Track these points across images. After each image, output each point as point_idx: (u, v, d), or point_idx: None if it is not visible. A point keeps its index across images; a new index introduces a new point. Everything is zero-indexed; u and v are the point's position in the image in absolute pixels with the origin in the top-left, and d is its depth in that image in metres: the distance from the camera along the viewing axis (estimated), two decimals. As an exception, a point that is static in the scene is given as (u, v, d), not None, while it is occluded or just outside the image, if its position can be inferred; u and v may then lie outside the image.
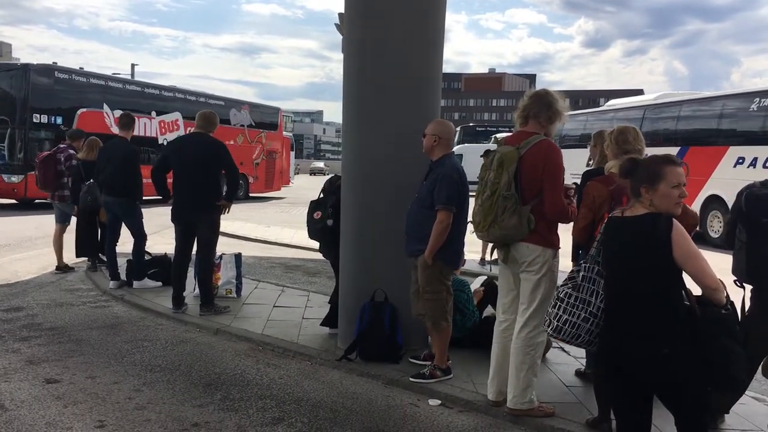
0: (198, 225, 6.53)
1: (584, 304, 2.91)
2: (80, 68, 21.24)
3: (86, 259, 8.85)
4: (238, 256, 7.41)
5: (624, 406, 2.90)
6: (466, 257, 5.14)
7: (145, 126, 21.55)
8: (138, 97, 21.86)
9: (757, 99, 13.81)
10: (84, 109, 19.42)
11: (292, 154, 37.53)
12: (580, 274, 2.97)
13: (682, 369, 2.68)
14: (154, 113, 21.96)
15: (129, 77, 34.60)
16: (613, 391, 2.96)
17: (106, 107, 20.07)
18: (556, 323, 2.99)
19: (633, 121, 16.30)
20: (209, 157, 6.47)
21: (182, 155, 6.50)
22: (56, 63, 20.15)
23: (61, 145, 8.82)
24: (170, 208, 6.64)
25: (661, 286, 2.70)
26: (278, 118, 29.15)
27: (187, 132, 22.65)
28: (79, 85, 19.86)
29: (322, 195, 5.82)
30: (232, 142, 24.37)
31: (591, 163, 5.21)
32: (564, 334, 2.97)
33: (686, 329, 2.70)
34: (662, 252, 2.68)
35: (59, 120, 18.45)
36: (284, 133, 30.73)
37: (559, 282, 3.17)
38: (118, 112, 20.17)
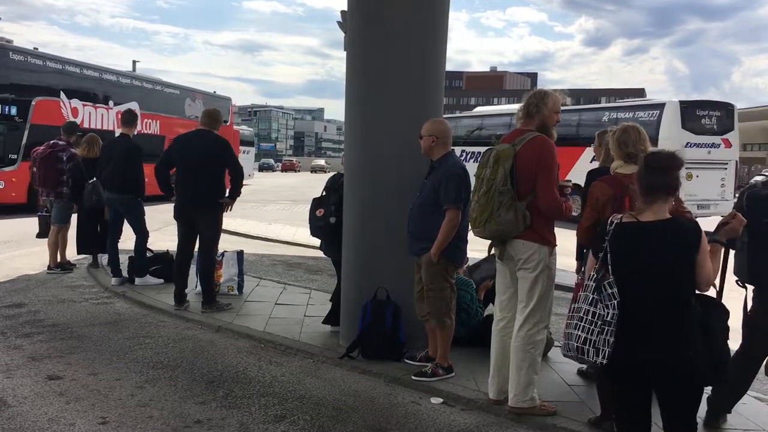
0: (200, 222, 6.53)
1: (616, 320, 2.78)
2: (34, 48, 18.20)
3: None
4: (240, 254, 7.42)
5: (631, 409, 2.87)
6: (469, 255, 5.14)
7: (102, 117, 19.35)
8: (95, 85, 19.49)
9: (607, 112, 19.41)
10: (40, 98, 16.96)
11: (252, 150, 35.70)
12: (613, 289, 2.74)
13: (697, 369, 2.70)
14: (111, 103, 19.62)
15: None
16: (620, 393, 2.92)
17: (62, 96, 17.72)
18: (609, 350, 2.72)
19: (501, 127, 19.61)
20: (213, 155, 6.48)
21: (186, 152, 6.51)
22: (11, 41, 17.26)
23: (60, 142, 8.64)
24: (172, 205, 6.65)
25: (686, 288, 2.71)
26: (228, 109, 27.21)
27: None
28: (35, 69, 17.23)
29: (324, 193, 5.82)
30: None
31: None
32: (608, 356, 2.77)
33: (698, 329, 2.70)
34: (693, 254, 2.69)
35: (14, 110, 16.13)
36: (234, 126, 28.76)
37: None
38: (75, 102, 18.05)
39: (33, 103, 16.67)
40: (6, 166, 16.18)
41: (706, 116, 17.29)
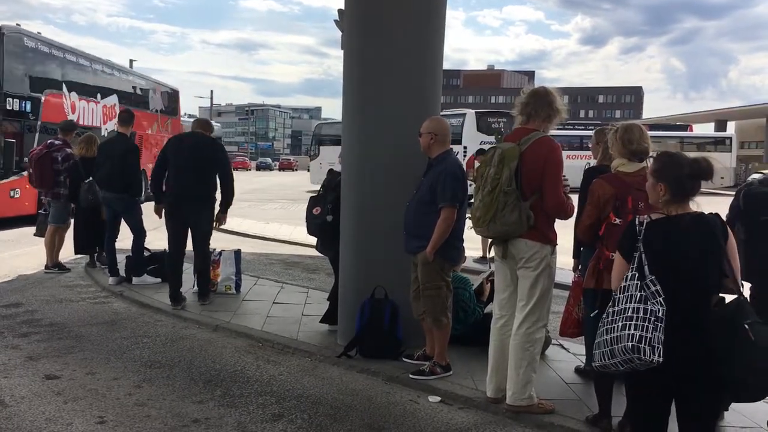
0: (194, 218, 6.60)
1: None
2: (38, 33, 15.62)
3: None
4: (237, 253, 7.41)
5: (655, 415, 2.87)
6: (465, 254, 5.14)
7: (93, 113, 17.20)
8: (89, 76, 17.43)
9: (448, 120, 24.80)
10: (49, 92, 14.75)
11: None
12: (657, 287, 2.72)
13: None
14: (99, 96, 17.56)
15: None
16: (645, 399, 2.90)
17: (65, 89, 15.56)
18: (662, 348, 2.66)
19: None
20: (207, 155, 6.62)
21: (181, 152, 6.58)
22: (19, 25, 14.59)
23: (56, 142, 8.60)
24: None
25: (713, 283, 2.74)
26: (178, 100, 25.03)
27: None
28: (44, 59, 15.00)
29: (321, 191, 5.83)
30: (150, 132, 20.92)
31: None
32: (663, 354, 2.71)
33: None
34: (724, 246, 2.74)
35: (28, 107, 13.74)
36: (182, 119, 26.22)
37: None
38: (73, 96, 16.07)
39: (43, 98, 14.38)
40: (23, 171, 13.07)
41: (494, 122, 23.73)
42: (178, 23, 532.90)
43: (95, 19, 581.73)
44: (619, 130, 3.94)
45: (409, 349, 5.10)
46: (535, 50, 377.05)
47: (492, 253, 4.32)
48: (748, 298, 3.92)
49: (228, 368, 4.96)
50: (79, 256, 8.97)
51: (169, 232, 6.72)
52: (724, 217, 3.19)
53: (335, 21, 7.29)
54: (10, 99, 13.01)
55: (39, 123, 14.18)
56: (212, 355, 5.29)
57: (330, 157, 30.15)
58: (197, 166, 6.51)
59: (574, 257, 4.63)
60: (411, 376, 4.70)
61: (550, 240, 4.02)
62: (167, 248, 6.86)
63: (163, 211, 6.70)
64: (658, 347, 2.63)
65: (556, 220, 4.08)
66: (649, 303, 2.69)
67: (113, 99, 18.34)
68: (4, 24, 13.27)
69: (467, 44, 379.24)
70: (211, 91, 66.86)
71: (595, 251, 3.92)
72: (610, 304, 2.84)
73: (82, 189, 8.03)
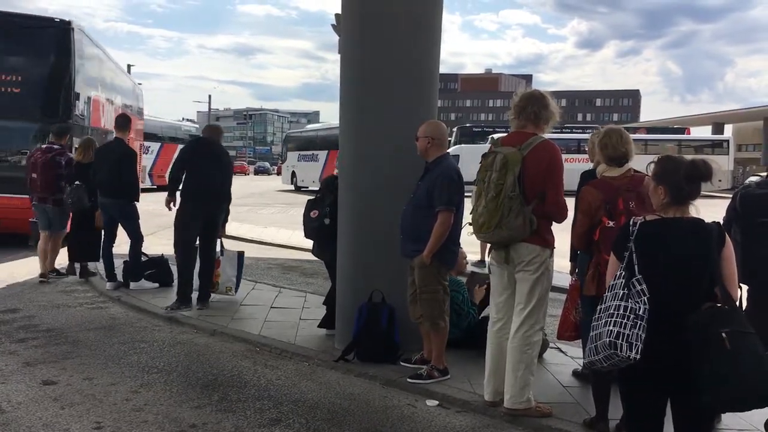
0: (219, 216, 6.91)
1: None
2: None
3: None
4: (240, 255, 7.40)
5: (647, 416, 2.87)
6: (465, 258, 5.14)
7: (110, 115, 15.01)
8: (109, 75, 16.00)
9: (331, 130, 27.98)
10: (95, 93, 13.33)
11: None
12: (642, 286, 2.73)
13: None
14: (111, 96, 16.18)
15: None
16: (637, 400, 2.91)
17: (100, 89, 14.35)
18: (641, 345, 2.66)
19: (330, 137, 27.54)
20: (225, 160, 7.05)
21: (206, 155, 6.85)
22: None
23: (54, 146, 8.44)
24: (179, 206, 6.84)
25: (706, 289, 2.73)
26: (142, 98, 23.19)
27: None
28: (92, 57, 13.41)
29: (319, 194, 5.83)
30: (132, 135, 17.29)
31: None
32: (641, 351, 2.73)
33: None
34: (717, 251, 2.75)
35: (85, 110, 12.46)
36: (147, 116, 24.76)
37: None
38: (103, 97, 14.69)
39: (91, 99, 13.05)
40: None
41: None
42: (175, 28, 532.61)
43: (93, 24, 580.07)
44: (599, 134, 3.98)
45: (406, 352, 5.10)
46: (532, 54, 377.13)
47: (489, 258, 4.30)
48: (745, 301, 3.94)
49: (225, 373, 4.95)
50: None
51: (190, 231, 6.78)
52: (722, 221, 3.20)
53: (332, 25, 7.31)
54: (77, 101, 11.78)
55: (90, 128, 12.79)
56: (209, 359, 5.28)
57: (293, 161, 34.42)
58: (218, 169, 6.79)
59: (571, 260, 4.64)
60: (408, 379, 4.70)
61: (549, 243, 4.03)
62: (182, 248, 6.80)
63: (183, 209, 6.73)
64: (636, 344, 2.63)
65: (553, 223, 4.09)
66: (630, 301, 2.71)
67: (119, 99, 17.40)
68: (71, 19, 11.76)
69: (464, 48, 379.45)
70: (209, 96, 66.66)
71: (591, 254, 3.92)
72: (599, 302, 2.87)
73: (65, 193, 7.94)
